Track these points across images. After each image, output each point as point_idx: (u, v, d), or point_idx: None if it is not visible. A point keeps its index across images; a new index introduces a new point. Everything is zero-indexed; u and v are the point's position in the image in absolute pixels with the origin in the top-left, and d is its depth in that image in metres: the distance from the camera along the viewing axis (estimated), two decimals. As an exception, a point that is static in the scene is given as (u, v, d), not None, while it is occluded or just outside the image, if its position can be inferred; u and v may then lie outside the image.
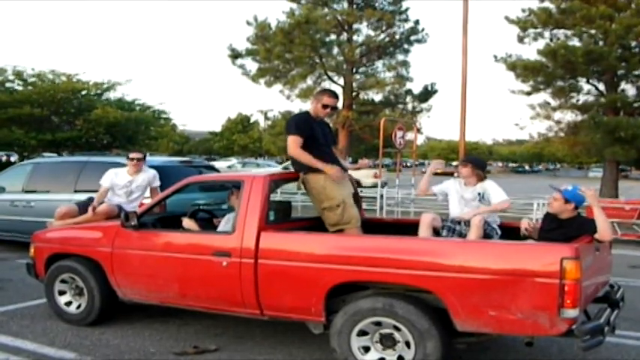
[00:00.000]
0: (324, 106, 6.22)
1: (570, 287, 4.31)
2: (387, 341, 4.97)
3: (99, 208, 7.68)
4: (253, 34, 31.22)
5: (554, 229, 5.49)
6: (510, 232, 6.08)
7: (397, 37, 32.58)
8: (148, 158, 11.10)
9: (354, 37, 32.31)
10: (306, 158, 5.93)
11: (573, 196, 5.49)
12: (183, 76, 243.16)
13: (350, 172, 6.61)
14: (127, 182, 8.10)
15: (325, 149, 6.21)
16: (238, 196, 5.83)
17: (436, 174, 7.18)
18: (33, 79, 30.13)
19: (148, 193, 8.35)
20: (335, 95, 6.42)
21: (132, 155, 8.23)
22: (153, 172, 8.43)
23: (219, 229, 6.40)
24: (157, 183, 8.39)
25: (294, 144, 5.96)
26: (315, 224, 6.22)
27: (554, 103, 24.47)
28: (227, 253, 5.54)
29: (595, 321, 4.73)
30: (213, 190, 9.47)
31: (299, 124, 6.06)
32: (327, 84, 31.49)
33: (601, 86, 23.35)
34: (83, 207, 7.81)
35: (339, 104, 31.62)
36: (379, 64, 33.57)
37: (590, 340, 4.50)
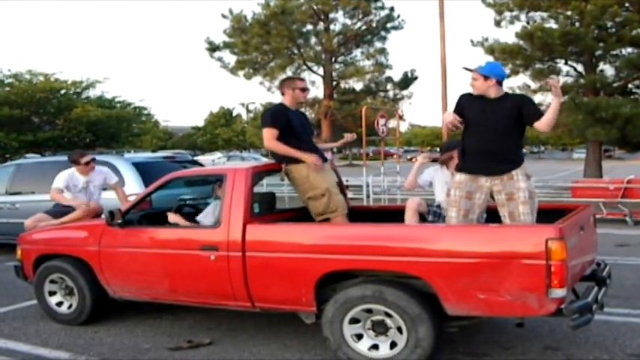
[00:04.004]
0: (303, 89, 6.31)
1: (557, 267, 4.36)
2: (379, 328, 5.00)
3: (91, 204, 7.72)
4: (230, 26, 31.16)
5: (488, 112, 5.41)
6: (495, 215, 6.08)
7: (374, 24, 32.63)
8: (130, 155, 11.16)
9: (331, 27, 32.36)
10: (283, 149, 5.98)
11: (490, 70, 5.44)
12: (163, 72, 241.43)
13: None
14: (83, 183, 8.07)
15: (304, 139, 6.24)
16: (222, 190, 5.84)
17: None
18: (10, 80, 29.89)
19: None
20: (301, 77, 6.52)
21: (84, 160, 8.01)
22: (105, 169, 8.43)
23: (198, 218, 6.43)
24: (114, 179, 8.41)
25: (269, 136, 6.01)
26: (301, 215, 6.25)
27: (534, 85, 24.47)
28: (214, 247, 5.55)
29: (583, 299, 4.76)
30: (198, 185, 9.47)
31: (274, 115, 6.10)
32: (306, 74, 31.51)
33: (580, 67, 23.37)
34: (54, 215, 7.81)
35: (320, 94, 31.78)
36: (357, 52, 33.67)
37: (579, 318, 4.55)
